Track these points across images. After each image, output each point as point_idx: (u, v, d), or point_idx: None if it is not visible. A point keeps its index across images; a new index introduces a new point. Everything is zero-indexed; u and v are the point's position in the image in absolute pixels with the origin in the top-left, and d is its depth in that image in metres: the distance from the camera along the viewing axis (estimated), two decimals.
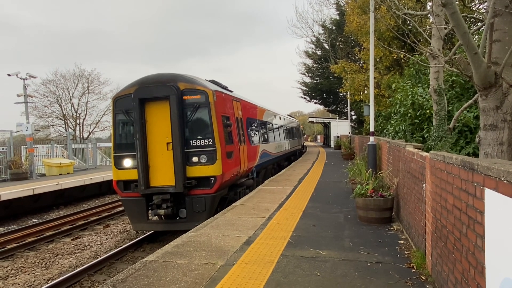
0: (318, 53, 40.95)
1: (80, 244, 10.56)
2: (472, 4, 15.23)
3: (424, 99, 11.87)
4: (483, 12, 12.98)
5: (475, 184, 2.99)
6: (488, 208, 2.71)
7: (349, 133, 34.44)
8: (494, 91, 5.46)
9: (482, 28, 10.01)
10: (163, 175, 9.65)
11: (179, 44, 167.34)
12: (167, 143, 9.64)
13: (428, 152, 5.02)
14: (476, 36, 11.65)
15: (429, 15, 11.45)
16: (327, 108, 51.59)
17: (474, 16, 13.41)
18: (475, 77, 5.46)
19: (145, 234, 10.82)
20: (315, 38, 40.46)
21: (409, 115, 11.99)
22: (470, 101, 9.01)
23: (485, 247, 2.77)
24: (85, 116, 47.75)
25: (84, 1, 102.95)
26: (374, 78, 13.20)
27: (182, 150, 9.48)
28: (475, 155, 9.14)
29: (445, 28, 9.59)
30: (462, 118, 10.16)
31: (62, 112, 46.08)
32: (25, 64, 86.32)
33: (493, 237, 2.62)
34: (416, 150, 6.13)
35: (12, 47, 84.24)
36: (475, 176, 3.00)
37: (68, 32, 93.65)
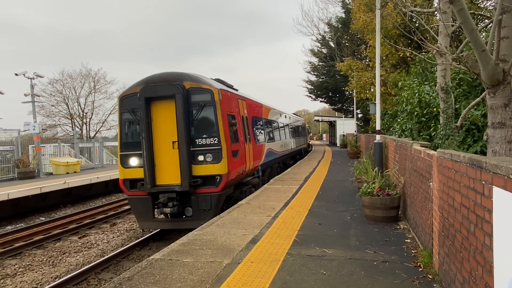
0: (324, 52, 40.79)
1: (87, 243, 10.63)
2: (480, 1, 15.08)
3: (431, 97, 11.78)
4: (491, 9, 12.84)
5: (483, 183, 2.96)
6: (497, 207, 2.68)
7: (355, 131, 34.29)
8: (502, 88, 5.40)
9: (489, 25, 9.90)
10: (169, 173, 9.67)
11: (184, 44, 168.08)
12: (173, 142, 9.66)
13: (435, 151, 4.98)
14: (484, 33, 11.53)
15: (436, 12, 11.35)
16: (332, 107, 51.43)
17: (482, 13, 13.28)
18: (483, 74, 5.40)
19: (151, 232, 10.86)
20: (320, 37, 40.35)
21: (415, 113, 11.90)
22: (478, 99, 8.92)
23: (493, 246, 2.74)
24: (92, 115, 48.05)
25: (91, 2, 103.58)
26: (381, 76, 13.12)
27: (188, 149, 9.50)
28: (483, 153, 9.05)
29: (452, 25, 9.49)
30: (469, 116, 10.07)
31: (69, 111, 46.41)
32: (32, 64, 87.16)
33: (502, 236, 2.59)
34: (423, 148, 6.08)
35: (20, 48, 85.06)
36: (483, 174, 2.97)
37: (75, 33, 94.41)
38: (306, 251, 5.84)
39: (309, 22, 63.88)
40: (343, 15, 34.98)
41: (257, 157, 13.56)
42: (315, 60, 43.25)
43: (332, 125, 54.25)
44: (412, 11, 9.94)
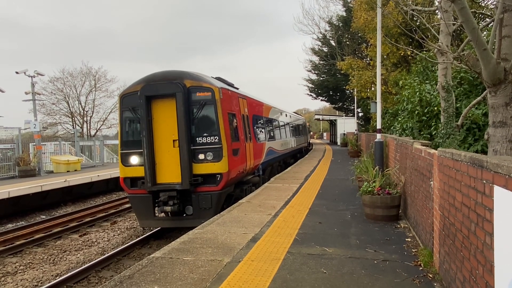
0: (325, 50, 40.78)
1: (88, 241, 10.64)
2: None
3: (432, 96, 11.77)
4: (492, 8, 12.81)
5: (484, 182, 2.95)
6: (497, 206, 2.68)
7: (356, 130, 34.27)
8: (503, 87, 5.40)
9: (491, 24, 9.88)
10: (170, 172, 9.68)
11: (184, 43, 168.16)
12: (174, 140, 9.66)
13: (436, 150, 4.97)
14: (485, 32, 11.50)
15: (437, 11, 11.34)
16: (333, 106, 51.38)
17: (483, 11, 13.26)
18: (484, 73, 5.40)
19: (151, 231, 10.88)
20: (321, 35, 40.36)
21: (416, 112, 11.89)
22: (479, 98, 8.92)
23: (494, 245, 2.74)
24: (92, 113, 48.09)
25: (92, 1, 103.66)
26: (381, 75, 13.10)
27: (188, 147, 9.50)
28: (484, 152, 9.05)
29: (454, 24, 9.48)
30: (470, 115, 10.06)
31: (70, 109, 46.45)
32: (33, 62, 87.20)
33: (502, 235, 2.59)
34: (424, 147, 6.08)
35: (21, 46, 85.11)
36: (484, 174, 2.96)
37: (76, 31, 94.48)
38: (307, 250, 5.84)
39: (310, 20, 64.12)
40: (344, 14, 34.96)
41: (257, 156, 13.56)
42: (316, 58, 43.31)
43: (332, 123, 54.24)
44: (413, 10, 9.92)
